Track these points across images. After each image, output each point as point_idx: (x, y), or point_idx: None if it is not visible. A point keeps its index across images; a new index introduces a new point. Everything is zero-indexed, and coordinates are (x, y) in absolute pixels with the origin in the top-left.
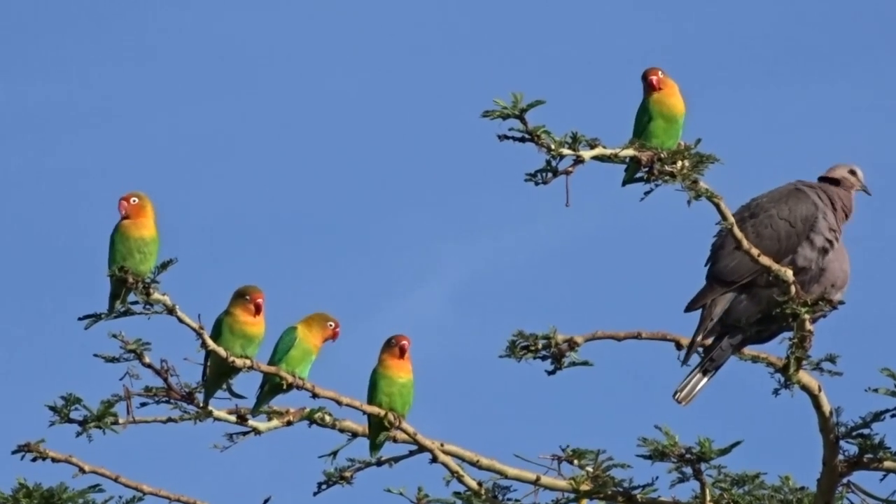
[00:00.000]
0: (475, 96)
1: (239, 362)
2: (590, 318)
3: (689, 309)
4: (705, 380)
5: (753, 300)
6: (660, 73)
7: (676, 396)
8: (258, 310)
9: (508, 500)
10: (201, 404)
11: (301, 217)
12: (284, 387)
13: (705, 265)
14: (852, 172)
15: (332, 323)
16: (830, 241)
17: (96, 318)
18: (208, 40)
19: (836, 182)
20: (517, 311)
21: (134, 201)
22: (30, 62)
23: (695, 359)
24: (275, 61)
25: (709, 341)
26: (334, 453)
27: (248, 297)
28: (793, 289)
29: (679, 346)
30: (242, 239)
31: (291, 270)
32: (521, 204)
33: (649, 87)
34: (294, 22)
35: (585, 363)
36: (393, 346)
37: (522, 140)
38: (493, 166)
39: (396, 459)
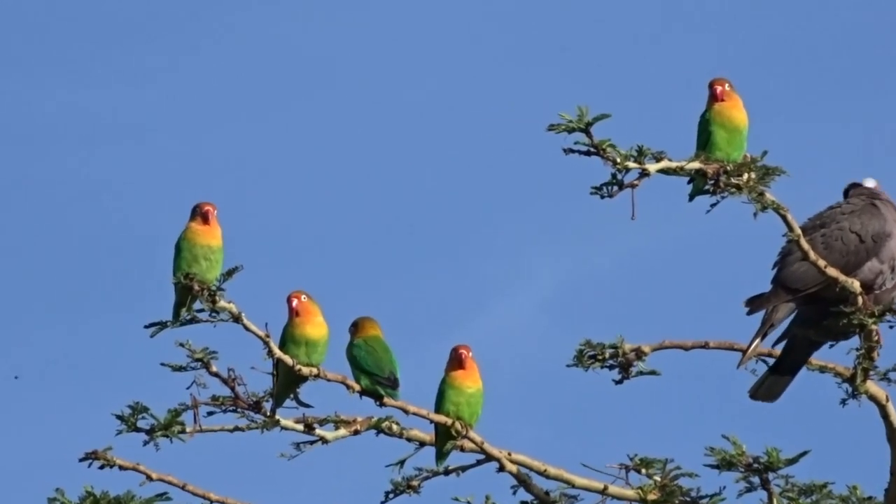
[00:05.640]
0: (558, 105)
1: (305, 370)
2: (679, 325)
3: (751, 311)
4: (758, 340)
5: (817, 311)
6: (726, 84)
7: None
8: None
9: None
10: (268, 413)
11: (391, 227)
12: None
13: (772, 268)
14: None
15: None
16: (894, 264)
17: (162, 326)
18: (286, 46)
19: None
20: (606, 319)
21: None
22: (94, 71)
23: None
24: (356, 68)
25: (765, 349)
26: (401, 462)
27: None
28: (860, 300)
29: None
30: (332, 248)
31: (382, 280)
32: (611, 211)
33: (713, 98)
34: (370, 28)
35: (653, 372)
36: (453, 356)
37: (588, 154)
38: (583, 174)
39: (464, 468)
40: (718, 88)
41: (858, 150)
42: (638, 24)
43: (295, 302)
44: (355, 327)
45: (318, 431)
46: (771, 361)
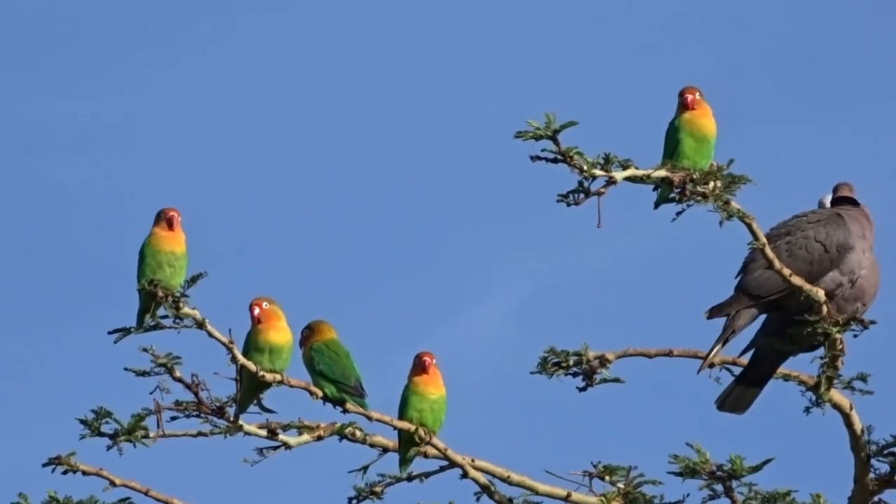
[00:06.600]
0: (528, 112)
1: (269, 377)
2: (648, 333)
3: (711, 316)
4: (719, 347)
5: (781, 319)
6: (697, 93)
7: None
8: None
9: None
10: (232, 418)
11: (362, 235)
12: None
13: (736, 276)
14: (853, 192)
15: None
16: (854, 277)
17: (126, 332)
18: (263, 57)
19: (852, 201)
20: (575, 327)
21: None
22: (75, 79)
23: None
24: (337, 78)
25: (730, 357)
26: (365, 468)
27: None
28: (824, 308)
29: (711, 364)
30: (302, 255)
31: (352, 288)
32: (580, 220)
33: (683, 106)
34: (349, 39)
35: (617, 380)
36: (417, 363)
37: (555, 161)
38: (555, 182)
39: (427, 475)
40: (689, 97)
41: (836, 157)
42: (608, 31)
43: (256, 310)
44: (310, 330)
45: (282, 437)
46: (735, 370)
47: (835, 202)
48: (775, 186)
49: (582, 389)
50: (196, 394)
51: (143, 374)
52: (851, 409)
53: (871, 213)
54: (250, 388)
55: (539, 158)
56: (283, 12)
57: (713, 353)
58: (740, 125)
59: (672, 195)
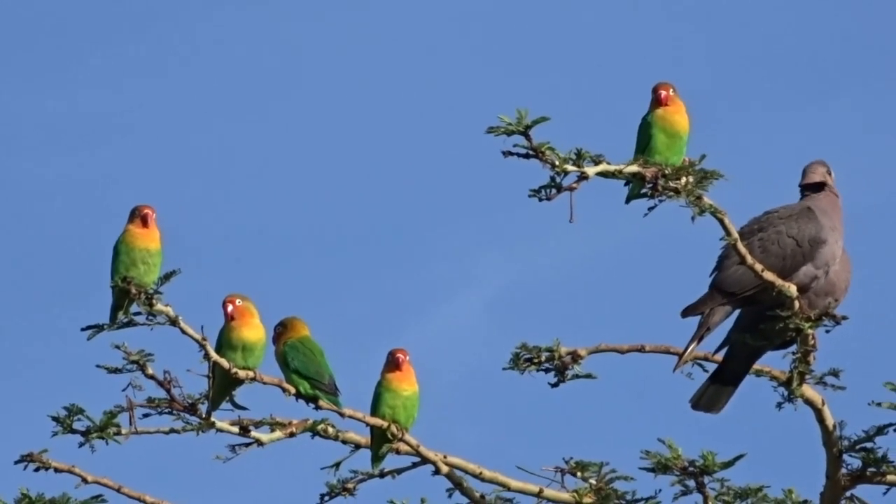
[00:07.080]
0: (502, 107)
1: (242, 374)
2: (622, 328)
3: (686, 314)
4: (695, 344)
5: (754, 315)
6: (670, 89)
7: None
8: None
9: None
10: (204, 415)
11: (338, 229)
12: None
13: (710, 275)
14: (829, 172)
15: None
16: (828, 269)
17: (99, 328)
18: (243, 52)
19: (820, 186)
20: (550, 322)
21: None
22: (61, 73)
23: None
24: (310, 74)
25: (702, 353)
26: (337, 465)
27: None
28: (796, 304)
29: (686, 362)
30: (275, 251)
31: (326, 283)
32: (554, 215)
33: (656, 102)
34: (327, 34)
35: (589, 376)
36: (390, 360)
37: (527, 156)
38: (530, 176)
39: (399, 471)
40: (663, 93)
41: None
42: (579, 26)
43: (230, 307)
44: (283, 327)
45: (254, 434)
46: (708, 366)
47: (802, 192)
48: (767, 181)
49: (554, 385)
50: (168, 391)
51: (116, 370)
52: (823, 404)
53: (841, 196)
54: (223, 385)
55: (511, 154)
56: (267, 13)
57: (688, 351)
58: (720, 120)
59: (644, 190)
